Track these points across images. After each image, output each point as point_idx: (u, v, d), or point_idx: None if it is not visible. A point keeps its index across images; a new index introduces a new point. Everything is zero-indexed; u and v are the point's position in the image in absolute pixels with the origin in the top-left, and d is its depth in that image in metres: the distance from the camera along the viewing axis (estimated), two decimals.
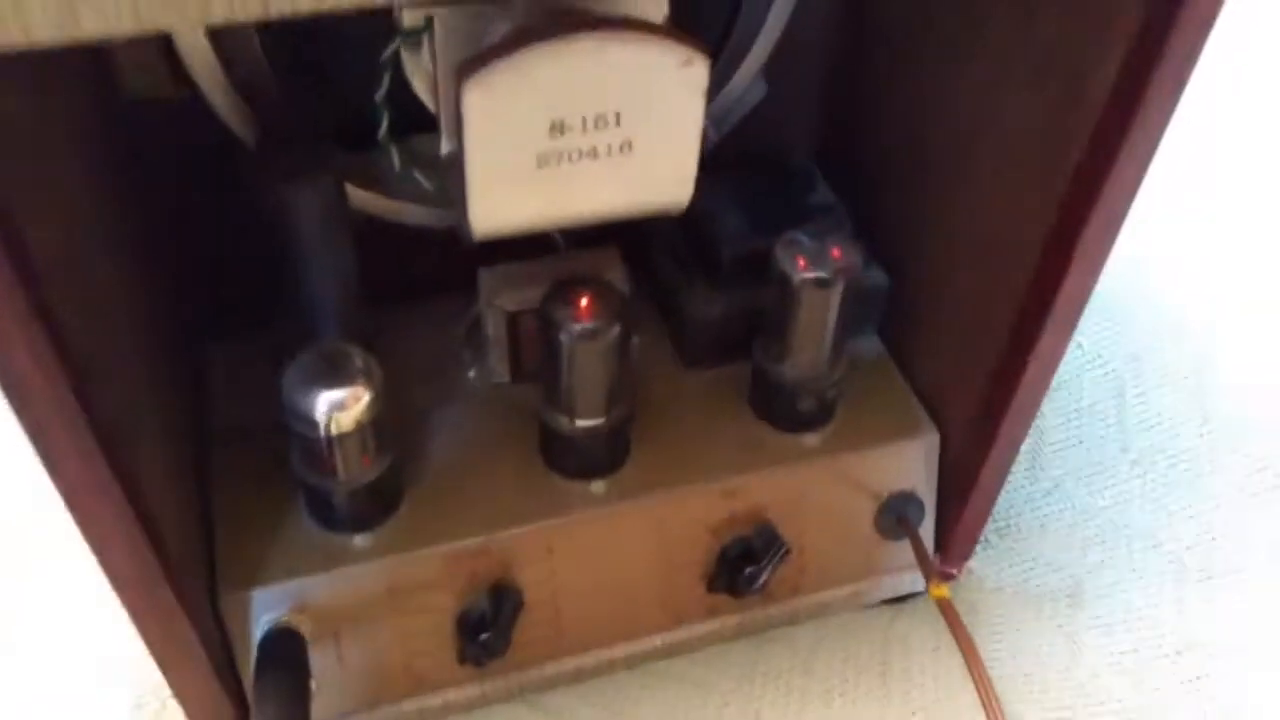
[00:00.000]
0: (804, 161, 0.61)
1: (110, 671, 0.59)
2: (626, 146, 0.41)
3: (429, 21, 0.41)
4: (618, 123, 0.40)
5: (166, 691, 0.58)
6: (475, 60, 0.38)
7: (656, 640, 0.59)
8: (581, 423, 0.52)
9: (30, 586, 0.63)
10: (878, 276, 0.59)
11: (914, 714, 0.59)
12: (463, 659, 0.53)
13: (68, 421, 0.35)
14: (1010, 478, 0.58)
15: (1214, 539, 0.68)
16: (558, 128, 0.40)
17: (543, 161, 0.40)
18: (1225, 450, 0.73)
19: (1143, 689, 0.61)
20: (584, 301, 0.48)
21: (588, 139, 0.40)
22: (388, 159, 0.50)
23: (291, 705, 0.46)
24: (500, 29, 0.40)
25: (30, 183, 0.34)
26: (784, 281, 0.51)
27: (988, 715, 0.53)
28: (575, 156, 0.40)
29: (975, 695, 0.53)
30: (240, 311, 0.56)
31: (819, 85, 0.62)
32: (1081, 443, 0.72)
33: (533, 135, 0.39)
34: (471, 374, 0.58)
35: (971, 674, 0.53)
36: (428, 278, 0.58)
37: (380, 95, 0.45)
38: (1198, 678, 0.62)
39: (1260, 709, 0.61)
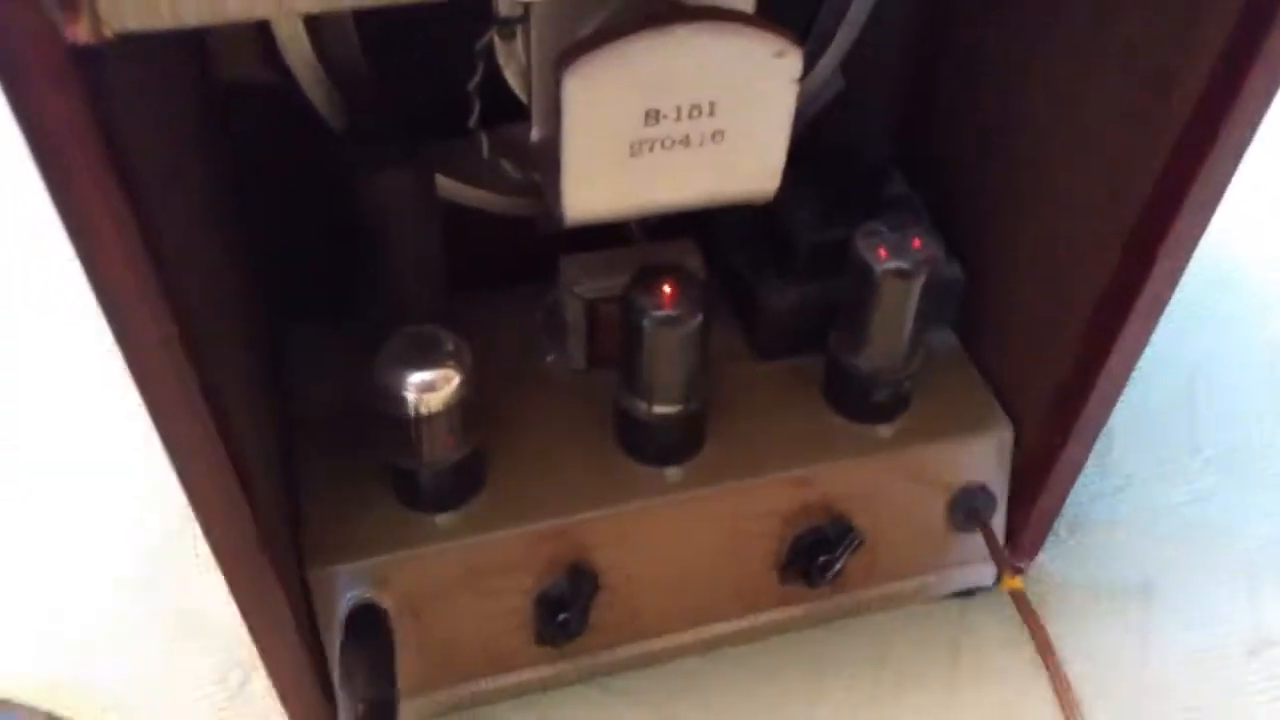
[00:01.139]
0: (879, 153, 0.62)
1: (194, 645, 0.61)
2: (718, 135, 0.41)
3: (526, 11, 0.42)
4: (711, 112, 0.41)
5: (250, 665, 0.60)
6: (575, 49, 0.38)
7: (727, 626, 0.59)
8: (659, 409, 0.52)
9: (115, 557, 0.65)
10: (952, 269, 0.59)
11: (983, 706, 0.59)
12: (540, 639, 0.54)
13: (180, 385, 0.36)
14: (1081, 473, 0.57)
15: None
16: (652, 116, 0.40)
17: (636, 150, 0.41)
18: None
19: (1213, 688, 0.61)
20: (667, 289, 0.49)
21: (681, 127, 0.41)
22: (474, 147, 0.51)
23: (379, 680, 0.47)
24: (595, 19, 0.41)
25: (156, 161, 0.36)
26: (864, 271, 0.51)
27: (1063, 708, 0.53)
28: (668, 144, 0.41)
29: (1045, 688, 0.53)
30: (324, 293, 0.57)
31: (896, 78, 0.62)
32: (1154, 439, 0.72)
33: (628, 123, 0.40)
34: (549, 359, 0.59)
35: (1046, 666, 0.53)
36: (503, 264, 0.59)
37: (474, 84, 0.46)
38: (1270, 679, 0.61)
39: None
